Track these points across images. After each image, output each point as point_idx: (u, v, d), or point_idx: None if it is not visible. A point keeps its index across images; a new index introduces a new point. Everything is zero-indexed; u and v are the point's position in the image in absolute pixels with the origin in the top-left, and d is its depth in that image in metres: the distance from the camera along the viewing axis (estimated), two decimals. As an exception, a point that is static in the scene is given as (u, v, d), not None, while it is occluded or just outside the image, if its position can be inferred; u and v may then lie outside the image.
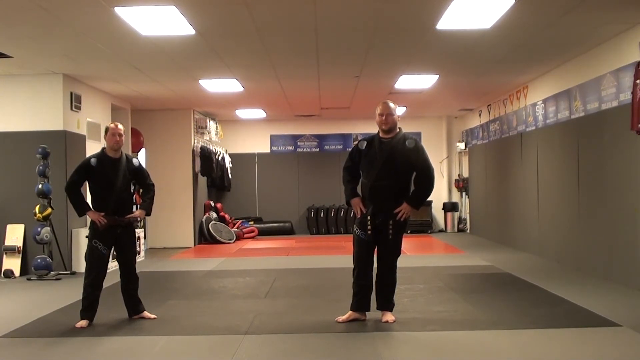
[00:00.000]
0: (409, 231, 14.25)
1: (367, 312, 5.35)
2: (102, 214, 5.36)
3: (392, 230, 5.26)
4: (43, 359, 4.51)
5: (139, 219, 5.72)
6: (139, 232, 10.09)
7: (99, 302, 5.47)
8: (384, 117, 5.31)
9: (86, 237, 5.55)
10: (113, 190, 5.41)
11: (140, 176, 5.73)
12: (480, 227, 13.05)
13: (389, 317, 5.28)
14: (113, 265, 8.81)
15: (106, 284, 7.53)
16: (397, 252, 5.39)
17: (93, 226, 5.42)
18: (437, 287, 6.88)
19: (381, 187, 5.24)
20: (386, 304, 5.34)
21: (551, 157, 8.90)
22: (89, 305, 5.40)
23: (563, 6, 5.81)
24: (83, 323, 5.33)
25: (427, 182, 5.37)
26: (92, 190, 5.52)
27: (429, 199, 15.15)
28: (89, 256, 5.47)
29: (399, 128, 5.41)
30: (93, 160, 5.46)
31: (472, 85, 10.22)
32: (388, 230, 5.25)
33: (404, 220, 5.31)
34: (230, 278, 7.88)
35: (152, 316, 5.56)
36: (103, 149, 5.59)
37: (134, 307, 5.58)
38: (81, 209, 5.45)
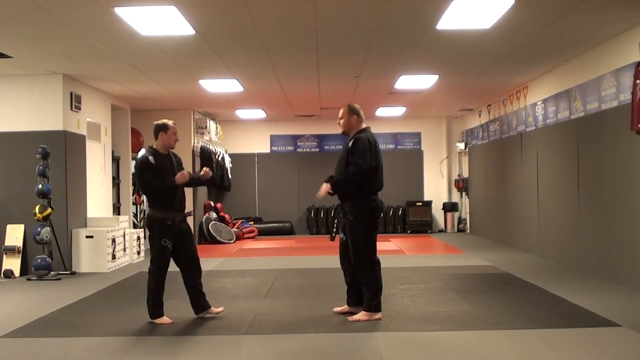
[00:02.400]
0: (409, 231, 14.27)
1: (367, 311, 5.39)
2: (186, 172, 5.34)
3: (346, 226, 5.40)
4: (43, 359, 4.51)
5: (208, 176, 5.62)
6: (139, 232, 10.10)
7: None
8: (338, 121, 5.62)
9: (148, 237, 5.45)
10: (177, 187, 5.37)
11: (180, 169, 5.70)
12: (480, 227, 13.05)
13: (357, 315, 5.33)
14: (114, 265, 8.85)
15: (106, 283, 7.58)
16: (357, 248, 5.35)
17: (159, 225, 5.32)
18: (437, 287, 6.88)
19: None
20: (362, 301, 5.40)
21: (551, 157, 8.91)
22: (161, 302, 5.40)
23: (563, 6, 5.81)
24: (167, 319, 5.36)
25: (351, 171, 5.30)
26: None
27: (429, 199, 14.98)
28: (161, 256, 5.35)
29: (366, 127, 5.51)
30: (150, 157, 5.36)
31: (472, 85, 10.22)
32: (345, 227, 5.43)
33: (354, 217, 5.31)
34: (230, 278, 7.88)
35: (220, 309, 5.53)
36: (151, 146, 5.49)
37: (202, 303, 5.51)
38: (168, 186, 5.28)
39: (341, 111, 5.57)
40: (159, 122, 5.51)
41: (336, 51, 7.56)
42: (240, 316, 5.56)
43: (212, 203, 13.52)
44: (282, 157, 15.12)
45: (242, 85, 9.74)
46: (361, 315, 5.32)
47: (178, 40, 6.80)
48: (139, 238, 9.99)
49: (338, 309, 5.63)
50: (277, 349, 4.59)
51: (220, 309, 5.58)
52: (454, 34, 6.76)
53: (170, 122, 5.49)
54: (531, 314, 5.47)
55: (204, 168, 5.72)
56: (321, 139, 15.10)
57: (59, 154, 8.42)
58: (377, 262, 5.40)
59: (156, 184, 5.28)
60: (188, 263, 5.48)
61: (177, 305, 6.15)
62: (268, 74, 8.85)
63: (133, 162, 11.76)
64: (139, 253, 9.97)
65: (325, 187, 5.35)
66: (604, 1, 5.71)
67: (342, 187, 5.37)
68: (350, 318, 5.33)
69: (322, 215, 14.46)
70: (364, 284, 5.38)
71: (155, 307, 5.40)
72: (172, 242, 5.37)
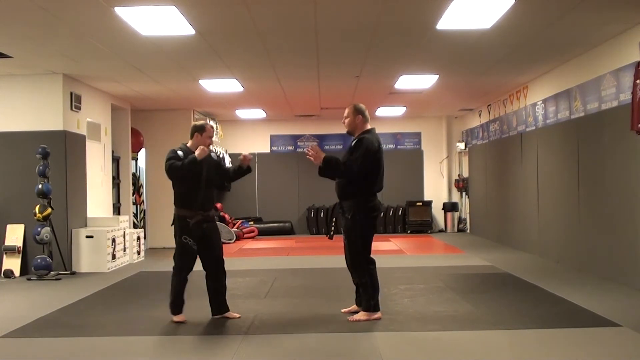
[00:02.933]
0: (409, 231, 14.27)
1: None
2: (203, 147, 5.27)
3: (344, 225, 5.40)
4: (43, 359, 4.51)
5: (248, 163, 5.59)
6: (139, 232, 10.10)
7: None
8: (343, 120, 5.59)
9: (174, 235, 5.40)
10: (200, 185, 5.35)
11: (220, 167, 5.67)
12: (480, 227, 13.05)
13: (356, 315, 5.34)
14: (114, 265, 8.85)
15: (106, 283, 7.58)
16: (354, 248, 5.35)
17: (180, 223, 5.33)
18: (437, 287, 6.88)
19: (336, 184, 5.49)
20: (361, 302, 5.43)
21: (551, 157, 8.91)
22: (182, 300, 5.38)
23: (563, 6, 5.81)
24: (182, 317, 5.35)
25: (343, 167, 5.33)
26: (178, 187, 5.39)
27: (429, 199, 15.01)
28: (181, 253, 5.34)
29: (371, 128, 5.53)
30: (180, 152, 5.37)
31: (472, 85, 10.22)
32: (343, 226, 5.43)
33: (352, 216, 5.32)
34: (230, 278, 7.81)
35: (237, 315, 5.51)
36: (185, 144, 5.49)
37: (220, 305, 5.50)
38: (189, 162, 5.23)
39: (347, 111, 5.56)
40: (198, 123, 5.56)
41: (336, 51, 7.56)
42: (240, 316, 5.56)
43: (212, 203, 13.51)
44: (282, 157, 15.12)
45: (242, 85, 9.74)
46: (361, 315, 5.33)
47: (178, 40, 6.80)
48: (139, 238, 9.99)
49: (346, 309, 5.61)
50: (277, 349, 4.59)
51: (237, 314, 5.54)
52: (454, 34, 6.75)
53: (208, 125, 5.50)
54: (531, 314, 5.47)
55: (243, 154, 5.66)
56: (321, 139, 15.10)
57: (59, 154, 8.42)
58: (373, 262, 5.40)
59: (178, 165, 5.24)
60: (212, 265, 5.47)
61: (177, 305, 6.15)
62: (268, 74, 8.85)
63: (133, 162, 11.77)
64: (139, 253, 9.96)
65: (320, 155, 5.32)
66: (604, 1, 5.71)
67: (328, 170, 5.34)
68: (351, 318, 5.33)
69: (322, 215, 14.46)
70: (361, 284, 5.40)
71: (173, 304, 5.39)
72: (196, 241, 5.34)
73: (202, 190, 5.38)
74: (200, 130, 5.46)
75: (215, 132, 13.78)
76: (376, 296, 5.35)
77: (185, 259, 5.35)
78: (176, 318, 5.36)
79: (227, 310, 5.52)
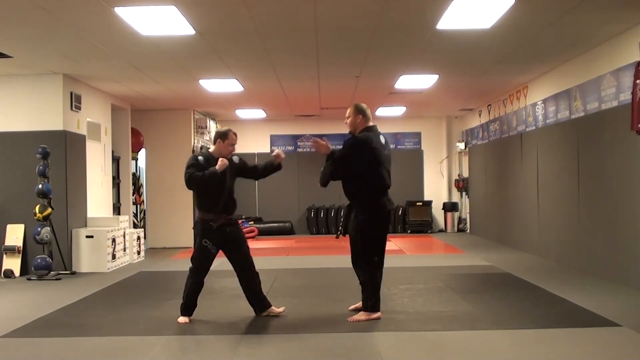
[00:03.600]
0: (409, 231, 14.27)
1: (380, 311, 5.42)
2: (224, 159, 5.28)
3: (350, 227, 5.42)
4: (43, 359, 4.51)
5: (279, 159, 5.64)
6: (139, 232, 10.10)
7: None
8: (345, 120, 5.65)
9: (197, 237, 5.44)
10: (222, 190, 5.37)
11: (245, 169, 5.68)
12: (480, 227, 13.05)
13: (356, 315, 5.34)
14: (114, 265, 8.85)
15: (106, 283, 7.58)
16: (356, 247, 5.37)
17: (202, 226, 5.37)
18: (437, 287, 6.88)
19: (342, 184, 5.55)
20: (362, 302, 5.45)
21: (551, 157, 8.91)
22: (193, 303, 5.41)
23: (563, 6, 5.81)
24: (186, 319, 5.35)
25: (326, 165, 5.46)
26: (199, 190, 5.42)
27: (429, 199, 14.99)
28: (199, 255, 5.39)
29: (372, 126, 5.55)
30: (200, 158, 5.40)
31: (472, 85, 10.22)
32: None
33: (355, 215, 5.34)
34: (230, 278, 7.84)
35: (281, 309, 5.52)
36: (208, 149, 5.53)
37: (260, 303, 5.51)
38: (210, 175, 5.26)
39: (348, 111, 5.61)
40: (222, 129, 5.58)
41: (336, 51, 7.56)
42: (240, 316, 5.56)
43: (212, 203, 13.52)
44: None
45: (242, 85, 9.74)
46: (360, 315, 5.33)
47: (178, 40, 6.80)
48: (139, 238, 9.99)
49: (352, 306, 5.63)
50: (277, 349, 4.59)
51: (281, 308, 5.54)
52: (454, 34, 6.75)
53: (231, 132, 5.52)
54: (531, 314, 5.47)
55: (276, 150, 5.68)
56: (321, 139, 15.08)
57: (59, 154, 8.42)
58: (375, 264, 5.34)
59: (198, 177, 5.28)
60: (241, 266, 5.50)
61: (178, 305, 6.14)
62: (268, 74, 8.85)
63: (133, 162, 11.78)
64: (139, 253, 9.97)
65: (326, 145, 5.50)
66: (604, 1, 5.71)
67: (332, 163, 5.43)
68: (351, 318, 5.33)
69: (322, 215, 14.46)
70: (361, 283, 5.40)
71: (185, 306, 5.41)
72: (217, 244, 5.37)
73: (224, 194, 5.40)
74: (222, 137, 5.47)
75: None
76: (375, 296, 5.32)
77: (203, 262, 5.39)
78: (181, 319, 5.37)
79: (269, 305, 5.53)
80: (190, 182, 5.33)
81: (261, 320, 5.42)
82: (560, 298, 6.13)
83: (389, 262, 8.78)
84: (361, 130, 5.49)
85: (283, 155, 5.67)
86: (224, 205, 5.41)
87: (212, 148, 5.56)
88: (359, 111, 5.54)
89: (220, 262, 9.44)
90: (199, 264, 5.39)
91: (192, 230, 5.56)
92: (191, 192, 5.44)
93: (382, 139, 5.51)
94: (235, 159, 5.62)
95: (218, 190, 5.36)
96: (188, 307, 5.42)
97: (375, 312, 5.32)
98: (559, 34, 6.79)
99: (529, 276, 7.45)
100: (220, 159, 5.31)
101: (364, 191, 5.36)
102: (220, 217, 5.37)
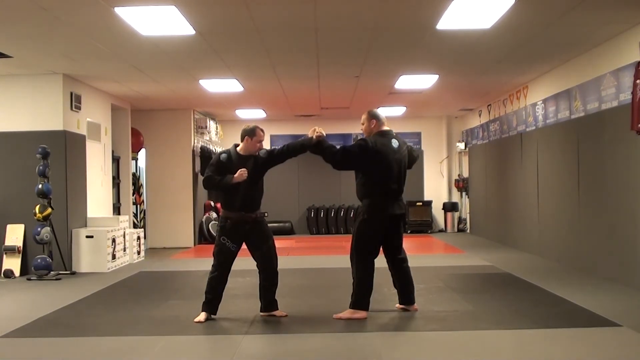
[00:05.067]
0: (409, 231, 14.27)
1: (370, 310, 5.45)
2: (244, 170, 5.31)
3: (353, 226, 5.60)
4: (43, 359, 4.51)
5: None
6: (139, 232, 10.10)
7: (221, 298, 5.48)
8: (360, 127, 5.80)
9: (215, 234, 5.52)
10: (239, 190, 5.37)
11: (270, 159, 5.61)
12: (480, 227, 13.05)
13: (341, 313, 5.37)
14: (114, 265, 8.85)
15: (106, 283, 7.58)
16: (352, 243, 5.47)
17: (221, 223, 5.44)
18: (437, 287, 6.88)
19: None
20: (409, 299, 5.59)
21: (551, 157, 8.91)
22: (213, 299, 5.41)
23: (563, 6, 5.81)
24: (202, 317, 5.34)
25: (333, 150, 5.57)
26: (216, 191, 5.50)
27: (429, 199, 15.01)
28: (218, 252, 5.44)
29: (386, 130, 5.73)
30: (223, 156, 5.47)
31: (472, 85, 10.22)
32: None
33: (356, 214, 5.51)
34: (230, 278, 7.84)
35: (284, 314, 5.51)
36: (236, 145, 5.56)
37: (268, 304, 5.52)
38: (225, 183, 5.33)
39: (362, 117, 5.72)
40: (249, 126, 5.56)
41: (336, 51, 7.56)
42: (240, 316, 5.56)
43: (212, 203, 13.50)
44: (282, 157, 15.08)
45: (242, 85, 9.74)
46: (345, 312, 5.36)
47: (178, 40, 6.80)
48: (139, 238, 9.99)
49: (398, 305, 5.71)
50: (277, 349, 4.59)
51: (284, 313, 5.53)
52: (454, 34, 6.75)
53: (258, 129, 5.52)
54: (531, 314, 5.47)
55: (315, 128, 5.66)
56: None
57: (59, 154, 8.42)
58: (365, 262, 5.38)
59: (214, 181, 5.40)
60: (260, 263, 5.54)
61: (178, 305, 6.15)
62: (268, 74, 8.85)
63: (133, 162, 11.78)
64: (139, 253, 9.97)
65: (319, 131, 5.57)
66: (604, 1, 5.71)
67: (322, 147, 5.54)
68: (335, 315, 5.35)
69: (322, 215, 14.45)
70: (354, 278, 5.45)
71: (208, 302, 5.42)
72: (236, 241, 5.41)
73: (241, 192, 5.38)
74: (250, 134, 5.48)
75: (215, 132, 13.81)
76: (359, 294, 5.36)
77: (222, 258, 5.44)
78: (198, 318, 5.34)
79: (275, 308, 5.53)
80: (206, 183, 5.50)
81: (261, 320, 5.42)
82: (561, 298, 6.13)
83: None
84: (375, 135, 5.54)
85: (323, 134, 5.60)
86: (241, 203, 5.40)
87: (240, 145, 5.55)
88: (372, 116, 5.66)
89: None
90: (218, 261, 5.45)
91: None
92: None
93: (395, 143, 5.60)
94: (262, 152, 5.61)
95: (235, 190, 5.38)
96: (208, 301, 5.40)
97: (359, 311, 5.34)
98: (559, 34, 6.79)
99: (529, 276, 7.45)
100: (239, 171, 5.31)
101: (366, 193, 5.44)
102: (238, 214, 5.39)
